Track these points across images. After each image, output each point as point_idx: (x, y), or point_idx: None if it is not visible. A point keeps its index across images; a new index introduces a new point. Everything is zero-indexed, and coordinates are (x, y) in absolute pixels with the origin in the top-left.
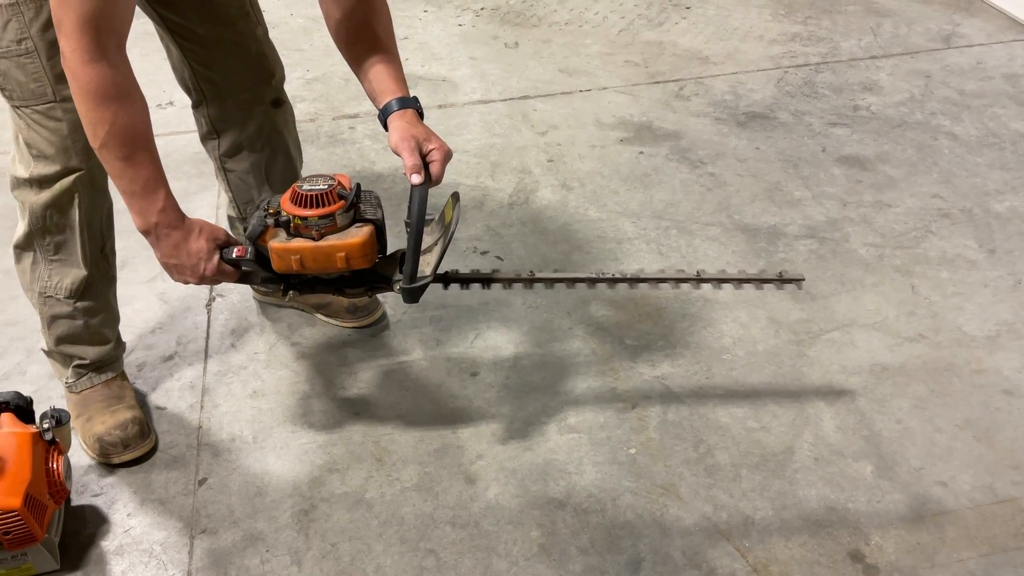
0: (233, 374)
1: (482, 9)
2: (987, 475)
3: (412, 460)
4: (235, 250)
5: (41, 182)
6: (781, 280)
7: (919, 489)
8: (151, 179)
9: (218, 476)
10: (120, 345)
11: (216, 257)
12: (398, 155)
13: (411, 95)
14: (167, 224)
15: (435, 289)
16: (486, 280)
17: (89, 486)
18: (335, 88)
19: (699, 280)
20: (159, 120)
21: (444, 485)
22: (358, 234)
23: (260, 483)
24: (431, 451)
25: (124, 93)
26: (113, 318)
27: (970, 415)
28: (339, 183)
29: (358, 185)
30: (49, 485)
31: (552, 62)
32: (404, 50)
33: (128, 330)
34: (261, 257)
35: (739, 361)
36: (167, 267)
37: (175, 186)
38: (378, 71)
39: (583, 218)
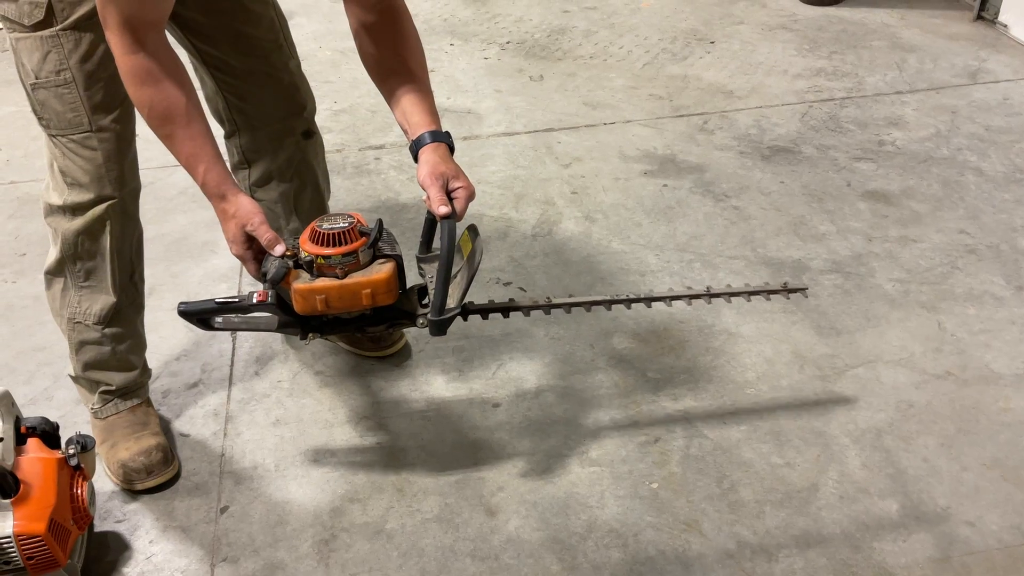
0: (256, 402)
1: (507, 43)
2: (1015, 515)
3: (433, 491)
4: (255, 295)
5: (74, 210)
6: (786, 290)
7: (946, 528)
8: (191, 155)
9: (240, 504)
10: (146, 372)
11: (243, 245)
12: (423, 188)
13: (443, 129)
14: (210, 196)
15: (456, 320)
16: (504, 309)
17: (112, 512)
18: (362, 120)
19: (709, 295)
20: None
21: (465, 517)
22: (382, 270)
23: (281, 512)
24: (452, 482)
25: (160, 78)
26: (140, 345)
27: (997, 454)
28: (357, 221)
29: (379, 221)
30: (73, 511)
31: (577, 95)
32: (431, 82)
33: (154, 357)
34: (282, 301)
35: (763, 396)
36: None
37: (203, 215)
38: (411, 104)
39: (606, 250)
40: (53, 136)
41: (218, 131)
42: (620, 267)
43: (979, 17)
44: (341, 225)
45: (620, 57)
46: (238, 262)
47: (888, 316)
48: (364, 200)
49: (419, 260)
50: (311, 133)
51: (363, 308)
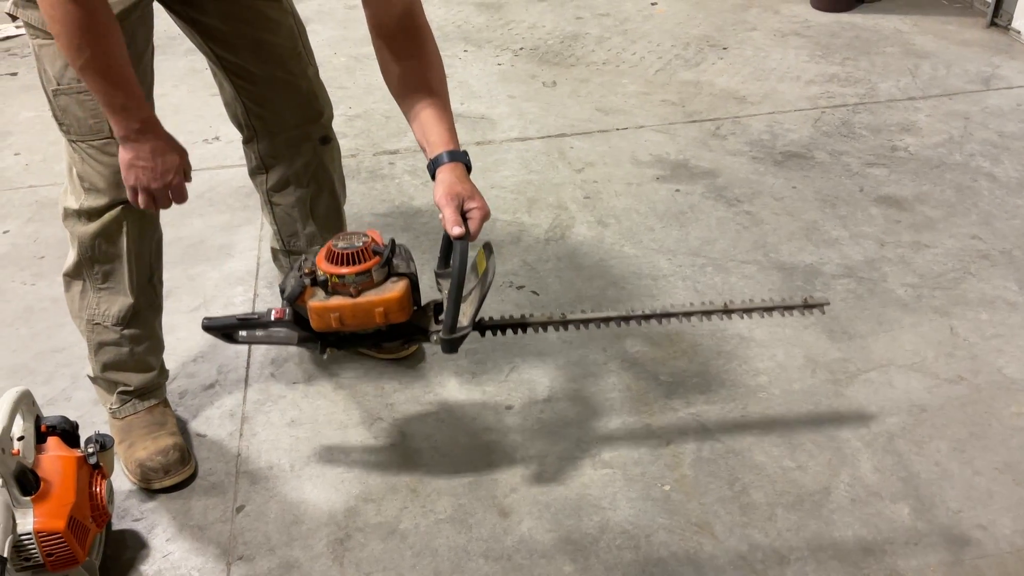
0: (272, 403)
1: (521, 49)
2: None
3: (446, 492)
4: (273, 312)
5: (90, 214)
6: (805, 306)
7: (958, 532)
8: (116, 71)
9: (256, 503)
10: (164, 373)
11: (181, 174)
12: (439, 208)
13: (461, 148)
14: (151, 128)
15: (473, 335)
16: (519, 325)
17: (130, 511)
18: (376, 125)
19: (726, 311)
20: (205, 154)
21: (478, 518)
22: (395, 288)
23: (296, 511)
24: (465, 483)
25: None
26: (158, 347)
27: (1010, 458)
28: (372, 239)
29: (392, 240)
30: (92, 508)
31: (589, 101)
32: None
33: (171, 358)
34: (299, 317)
35: (775, 399)
36: (136, 169)
37: (219, 219)
38: (430, 123)
39: (619, 254)
40: (73, 142)
41: (237, 137)
42: (632, 271)
43: (992, 23)
44: (356, 244)
45: (633, 63)
46: (254, 265)
47: (901, 321)
48: (378, 204)
49: (437, 275)
50: (328, 139)
51: (377, 325)
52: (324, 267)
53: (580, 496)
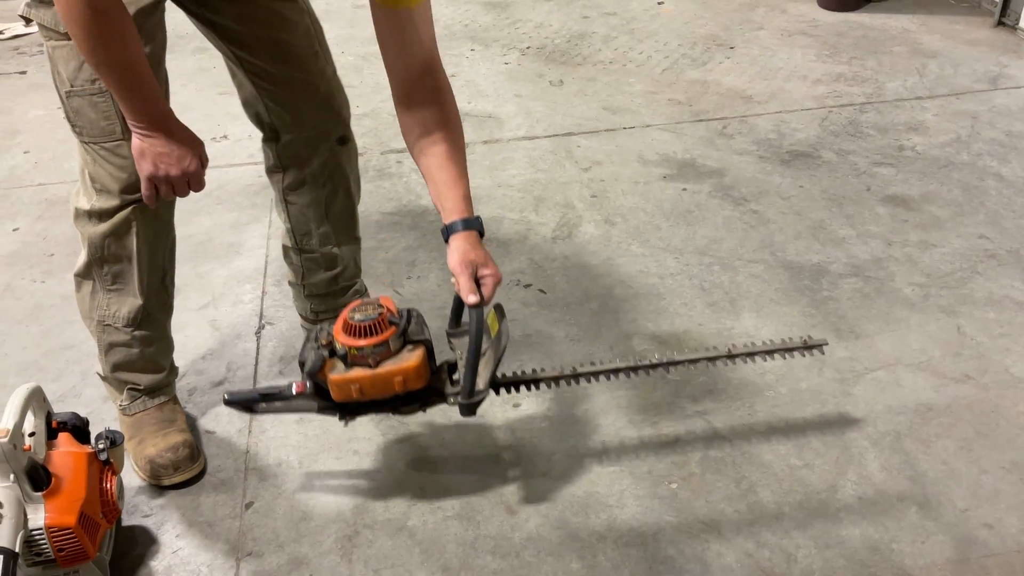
0: None
1: (528, 48)
2: None
3: (454, 489)
4: (294, 386)
5: (100, 215)
6: (805, 347)
7: (964, 531)
8: (134, 62)
9: (264, 500)
10: (173, 371)
11: (199, 161)
12: (454, 274)
13: (475, 215)
14: (168, 119)
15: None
16: (531, 381)
17: (140, 507)
18: (384, 124)
19: (730, 356)
20: (213, 153)
21: (486, 515)
22: (412, 357)
23: (305, 508)
24: (473, 480)
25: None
26: (168, 346)
27: (1016, 457)
28: (387, 309)
29: (408, 311)
30: (103, 504)
31: (596, 100)
32: (451, 86)
33: (180, 355)
34: (319, 389)
35: (782, 398)
36: (152, 156)
37: (227, 217)
38: (446, 188)
39: (626, 253)
40: (86, 143)
41: (245, 135)
42: (639, 270)
43: (1000, 23)
44: (372, 316)
45: (640, 62)
46: (263, 263)
47: (908, 320)
48: (386, 203)
49: (449, 335)
50: (346, 139)
51: (396, 393)
52: (342, 339)
53: (587, 494)
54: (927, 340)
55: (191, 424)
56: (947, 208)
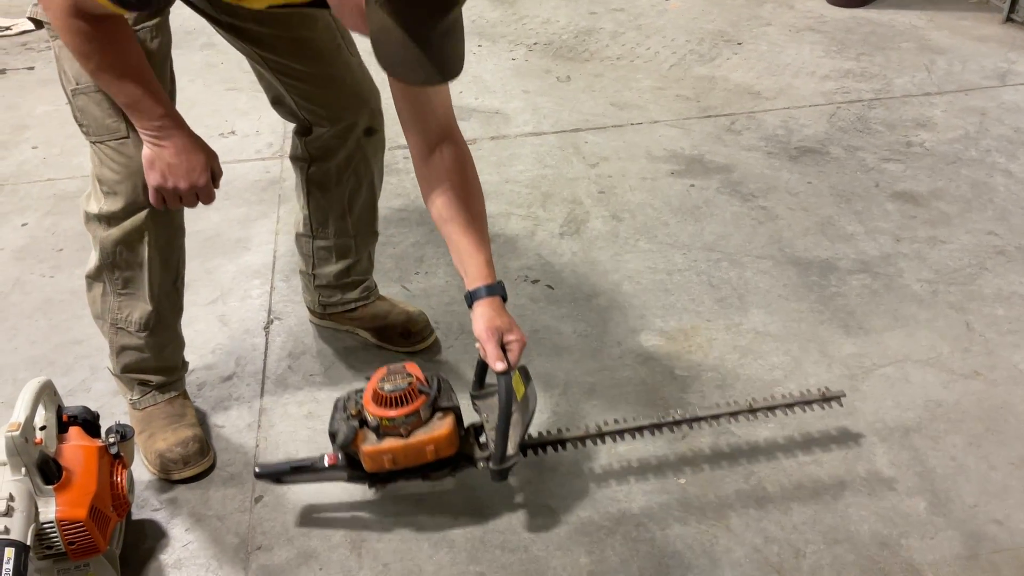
0: (290, 395)
1: (535, 44)
2: None
3: (462, 483)
4: (326, 458)
5: (109, 219)
6: (824, 399)
7: (973, 526)
8: (138, 69)
9: (274, 494)
10: (183, 366)
11: (209, 174)
12: (480, 341)
13: (497, 280)
14: (174, 125)
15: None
16: (558, 442)
17: (150, 501)
18: (389, 119)
19: (751, 411)
20: (221, 149)
21: (494, 509)
22: (442, 425)
23: (314, 502)
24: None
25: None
26: (179, 347)
27: None
28: (416, 378)
29: (438, 379)
30: (113, 498)
31: (604, 96)
32: (458, 83)
33: (189, 351)
34: (351, 459)
35: (791, 394)
36: (160, 166)
37: (235, 213)
38: (468, 255)
39: (633, 249)
40: (92, 143)
41: (253, 131)
42: (647, 266)
43: (1009, 19)
44: (401, 386)
45: (647, 58)
46: (271, 259)
47: (916, 316)
48: (393, 199)
49: (473, 398)
50: (373, 131)
51: (427, 461)
52: (373, 410)
53: (596, 488)
54: (936, 336)
55: (201, 419)
56: (956, 204)
